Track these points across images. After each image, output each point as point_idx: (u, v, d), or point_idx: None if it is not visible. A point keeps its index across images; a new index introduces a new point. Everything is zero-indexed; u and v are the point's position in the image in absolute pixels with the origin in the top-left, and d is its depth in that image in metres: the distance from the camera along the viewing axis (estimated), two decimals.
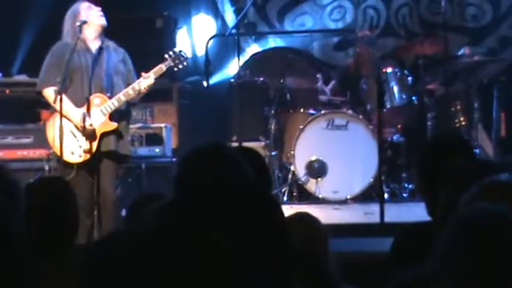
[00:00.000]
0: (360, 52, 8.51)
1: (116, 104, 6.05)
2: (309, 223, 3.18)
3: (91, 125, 6.00)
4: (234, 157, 2.50)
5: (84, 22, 6.09)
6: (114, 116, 6.11)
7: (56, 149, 6.10)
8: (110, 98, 6.07)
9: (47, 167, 7.05)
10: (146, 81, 6.02)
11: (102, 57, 6.13)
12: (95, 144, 6.04)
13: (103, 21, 6.17)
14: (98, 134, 6.07)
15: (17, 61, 9.13)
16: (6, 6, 8.90)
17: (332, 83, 8.67)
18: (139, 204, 3.26)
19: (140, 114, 8.36)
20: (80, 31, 6.07)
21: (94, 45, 6.18)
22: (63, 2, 8.77)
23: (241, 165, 2.46)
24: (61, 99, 5.86)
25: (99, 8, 6.23)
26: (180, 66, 6.14)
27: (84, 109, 6.02)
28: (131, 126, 7.33)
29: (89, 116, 6.00)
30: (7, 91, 8.23)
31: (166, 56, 6.10)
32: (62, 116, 5.87)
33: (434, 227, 2.83)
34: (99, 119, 6.06)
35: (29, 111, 7.78)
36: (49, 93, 6.08)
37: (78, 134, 6.03)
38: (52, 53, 6.20)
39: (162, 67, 6.06)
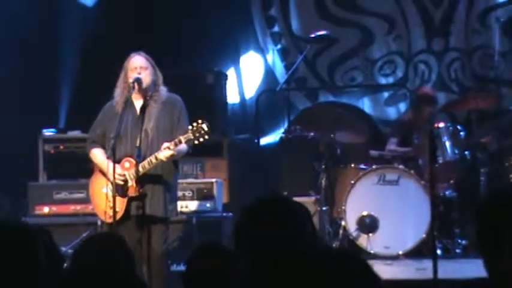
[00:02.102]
0: (424, 111, 8.33)
1: (141, 170, 6.04)
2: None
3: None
4: (295, 213, 2.52)
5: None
6: (143, 180, 6.09)
7: (94, 207, 6.31)
8: (139, 162, 6.05)
9: (99, 222, 7.09)
10: (166, 152, 5.97)
11: (143, 116, 6.14)
12: (121, 209, 6.06)
13: (135, 80, 6.09)
14: (125, 199, 6.09)
15: (62, 115, 9.32)
16: (41, 65, 9.08)
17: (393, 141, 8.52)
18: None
19: (191, 169, 8.41)
20: (129, 90, 6.15)
21: (138, 103, 6.22)
22: (93, 54, 9.03)
23: (301, 221, 2.48)
24: (114, 157, 5.93)
25: (138, 64, 6.17)
26: (201, 140, 5.96)
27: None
28: (182, 180, 7.37)
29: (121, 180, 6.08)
30: (61, 147, 8.37)
31: (189, 126, 5.99)
32: (114, 174, 5.91)
33: (495, 283, 2.76)
34: (126, 184, 6.09)
35: (82, 167, 7.86)
36: (92, 153, 6.27)
37: (110, 196, 6.04)
38: (98, 115, 6.33)
39: (181, 139, 5.98)
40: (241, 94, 9.81)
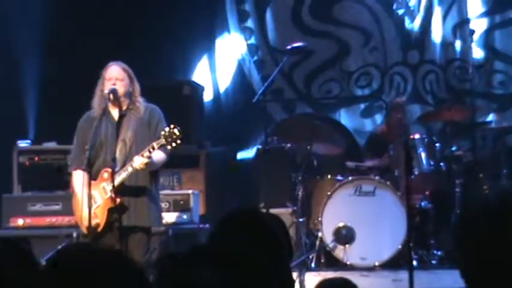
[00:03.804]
0: (394, 118, 8.43)
1: (119, 180, 6.03)
2: None
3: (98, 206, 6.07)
4: (267, 226, 2.52)
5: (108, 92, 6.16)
6: (123, 191, 6.07)
7: (76, 219, 6.28)
8: (117, 172, 6.03)
9: (75, 234, 7.05)
10: (140, 159, 5.95)
11: (121, 126, 6.13)
12: (102, 221, 6.05)
13: (110, 91, 6.09)
14: (105, 211, 6.07)
15: (31, 126, 9.25)
16: (4, 77, 9.00)
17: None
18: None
19: (168, 181, 8.37)
20: (104, 101, 6.14)
21: (115, 113, 6.21)
22: (56, 62, 8.92)
23: (273, 234, 2.48)
24: (90, 168, 5.92)
25: (113, 75, 6.16)
26: (173, 144, 5.97)
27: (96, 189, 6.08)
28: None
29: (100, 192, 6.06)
30: (36, 158, 8.31)
31: (162, 132, 6.00)
32: (90, 188, 5.91)
33: None
34: (105, 195, 6.08)
35: (58, 178, 7.83)
36: (74, 176, 6.25)
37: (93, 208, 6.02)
38: (76, 131, 6.30)
39: (153, 145, 5.98)
40: (215, 87, 9.79)
